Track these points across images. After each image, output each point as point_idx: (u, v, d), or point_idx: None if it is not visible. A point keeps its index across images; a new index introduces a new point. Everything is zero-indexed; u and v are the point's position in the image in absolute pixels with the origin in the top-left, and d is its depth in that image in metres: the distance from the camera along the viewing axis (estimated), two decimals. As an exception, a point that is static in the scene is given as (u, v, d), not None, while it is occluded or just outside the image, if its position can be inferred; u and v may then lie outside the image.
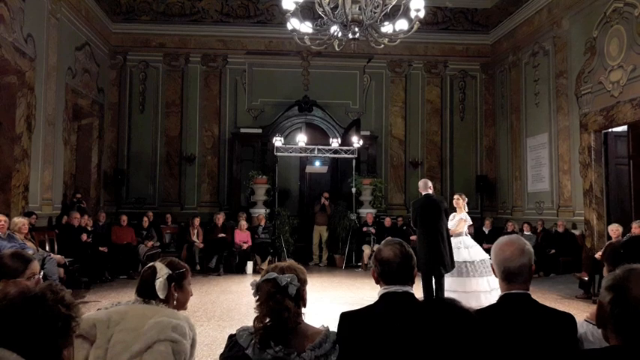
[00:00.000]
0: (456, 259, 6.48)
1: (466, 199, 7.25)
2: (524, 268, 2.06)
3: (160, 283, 2.17)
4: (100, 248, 8.91)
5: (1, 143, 8.22)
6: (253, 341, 1.96)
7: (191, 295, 2.34)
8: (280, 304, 1.96)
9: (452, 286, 6.52)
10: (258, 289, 2.03)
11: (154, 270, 2.22)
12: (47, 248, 7.98)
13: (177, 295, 2.23)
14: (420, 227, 6.36)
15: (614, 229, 7.68)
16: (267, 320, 1.96)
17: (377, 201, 12.29)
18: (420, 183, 6.74)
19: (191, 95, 12.92)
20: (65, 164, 10.36)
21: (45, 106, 9.13)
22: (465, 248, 6.81)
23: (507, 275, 2.07)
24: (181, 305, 2.27)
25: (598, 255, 7.18)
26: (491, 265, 2.18)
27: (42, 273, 2.70)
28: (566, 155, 10.32)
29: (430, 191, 6.58)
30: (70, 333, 1.36)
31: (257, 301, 2.02)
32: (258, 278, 2.08)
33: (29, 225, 7.24)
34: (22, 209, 8.22)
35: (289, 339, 1.95)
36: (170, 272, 2.21)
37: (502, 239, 2.18)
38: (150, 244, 10.22)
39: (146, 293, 2.19)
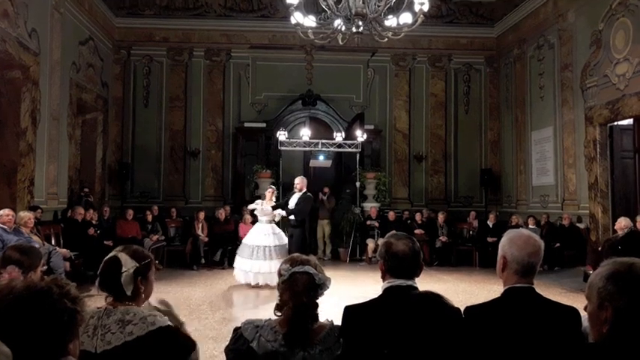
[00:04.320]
0: (264, 243, 7.77)
1: (275, 192, 8.53)
2: (539, 264, 2.08)
3: (126, 277, 1.93)
4: (106, 242, 8.93)
5: (7, 138, 8.25)
6: (258, 334, 1.96)
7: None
8: (313, 301, 1.96)
9: (262, 269, 7.54)
10: (291, 277, 1.97)
11: (116, 262, 1.96)
12: (53, 242, 8.02)
13: (143, 289, 1.99)
14: (308, 218, 8.02)
15: (621, 223, 7.63)
16: (290, 312, 1.93)
17: (381, 195, 12.29)
18: (304, 181, 8.05)
19: (195, 89, 12.91)
20: (70, 158, 10.40)
21: (49, 100, 9.15)
22: (274, 234, 8.00)
23: (526, 269, 2.04)
24: (147, 298, 2.06)
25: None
26: (503, 256, 2.08)
27: (47, 266, 2.69)
28: (571, 149, 10.27)
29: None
30: (75, 326, 1.37)
31: (284, 289, 1.98)
32: (283, 265, 2.05)
33: (35, 219, 7.29)
34: (28, 203, 8.26)
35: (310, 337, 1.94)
36: (137, 265, 1.96)
37: (522, 232, 2.12)
38: (155, 237, 10.26)
39: (111, 289, 1.96)
